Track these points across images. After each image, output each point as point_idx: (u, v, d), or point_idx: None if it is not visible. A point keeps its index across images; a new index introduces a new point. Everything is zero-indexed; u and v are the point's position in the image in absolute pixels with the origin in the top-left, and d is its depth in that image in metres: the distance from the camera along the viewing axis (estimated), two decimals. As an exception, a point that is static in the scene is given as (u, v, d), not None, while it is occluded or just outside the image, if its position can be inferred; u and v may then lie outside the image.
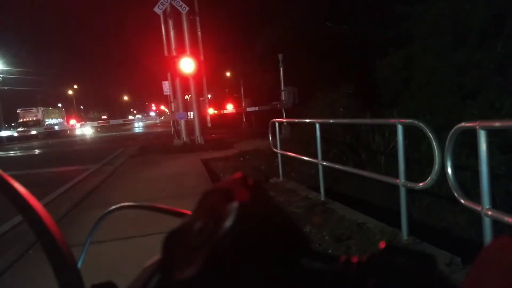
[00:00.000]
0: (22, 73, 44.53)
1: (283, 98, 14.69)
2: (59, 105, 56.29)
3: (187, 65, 11.90)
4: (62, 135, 35.84)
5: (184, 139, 12.69)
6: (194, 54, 12.55)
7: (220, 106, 20.71)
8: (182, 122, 12.78)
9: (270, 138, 6.48)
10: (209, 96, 16.60)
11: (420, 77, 7.14)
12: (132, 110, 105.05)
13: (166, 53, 12.31)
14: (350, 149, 7.33)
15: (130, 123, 40.30)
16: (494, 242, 0.32)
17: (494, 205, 2.31)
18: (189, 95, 13.29)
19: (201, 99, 14.20)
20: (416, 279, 0.31)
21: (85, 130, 35.06)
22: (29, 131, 30.40)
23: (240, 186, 0.35)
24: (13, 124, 38.11)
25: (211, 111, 15.16)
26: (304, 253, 0.34)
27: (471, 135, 2.40)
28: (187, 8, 12.04)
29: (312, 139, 6.02)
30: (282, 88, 14.59)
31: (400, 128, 3.15)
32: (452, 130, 2.48)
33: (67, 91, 63.30)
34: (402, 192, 3.21)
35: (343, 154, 7.18)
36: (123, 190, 6.17)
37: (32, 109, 38.80)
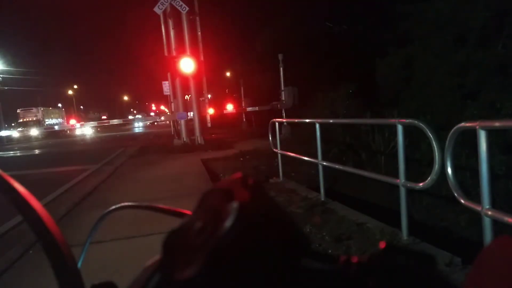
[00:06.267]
0: (22, 73, 44.54)
1: (283, 98, 14.69)
2: (59, 105, 56.30)
3: (187, 65, 11.89)
4: (62, 135, 35.84)
5: (184, 139, 12.69)
6: (194, 54, 12.55)
7: (220, 106, 20.69)
8: (182, 122, 12.78)
9: (270, 138, 6.47)
10: (209, 96, 16.60)
11: (420, 77, 7.14)
12: (132, 110, 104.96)
13: (166, 53, 12.31)
14: (350, 149, 7.33)
15: (130, 123, 40.30)
16: (494, 242, 0.32)
17: (494, 205, 2.31)
18: (189, 95, 13.29)
19: (201, 99, 14.20)
20: (416, 279, 0.31)
21: (85, 130, 35.04)
22: (29, 131, 30.40)
23: (240, 186, 0.35)
24: (13, 124, 38.10)
25: (211, 111, 15.14)
26: (304, 253, 0.34)
27: (471, 135, 2.39)
28: (187, 8, 12.03)
29: (312, 139, 6.02)
30: (282, 88, 14.59)
31: (400, 128, 3.14)
32: (452, 130, 2.48)
33: (67, 91, 63.25)
34: (402, 192, 3.21)
35: (343, 154, 7.18)
36: (123, 190, 6.17)
37: (32, 109, 38.81)
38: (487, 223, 2.27)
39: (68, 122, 37.24)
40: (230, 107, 19.68)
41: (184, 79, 12.58)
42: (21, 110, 38.11)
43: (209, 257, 0.30)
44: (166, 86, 12.91)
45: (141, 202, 0.66)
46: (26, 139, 29.98)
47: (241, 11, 19.08)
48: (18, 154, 18.14)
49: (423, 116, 5.80)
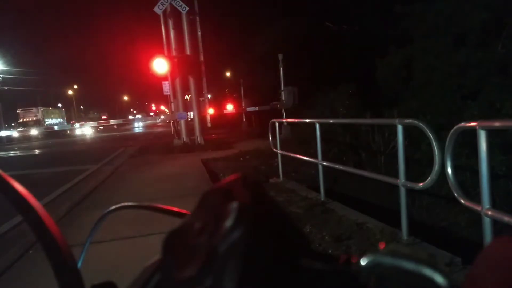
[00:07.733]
0: (22, 73, 44.50)
1: (283, 98, 14.69)
2: (59, 105, 56.26)
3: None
4: (62, 135, 35.84)
5: (184, 139, 12.69)
6: (194, 54, 12.55)
7: (220, 106, 20.69)
8: (182, 122, 12.78)
9: (270, 138, 6.47)
10: (209, 96, 16.59)
11: (420, 77, 7.13)
12: (132, 110, 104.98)
13: (166, 53, 12.31)
14: (350, 149, 7.33)
15: (130, 123, 40.31)
16: (494, 242, 0.32)
17: (494, 205, 2.31)
18: (189, 95, 13.28)
19: (201, 99, 14.19)
20: (416, 279, 0.31)
21: (85, 130, 35.03)
22: (29, 131, 30.41)
23: (240, 186, 0.35)
24: (13, 124, 38.10)
25: (211, 111, 15.13)
26: (304, 253, 0.34)
27: (471, 135, 2.39)
28: (187, 8, 12.03)
29: (312, 139, 6.02)
30: (282, 88, 14.58)
31: (400, 128, 3.15)
32: (452, 130, 2.48)
33: (67, 91, 63.25)
34: (402, 192, 3.21)
35: (343, 154, 7.18)
36: (123, 190, 6.17)
37: (32, 109, 38.80)
38: (487, 223, 2.27)
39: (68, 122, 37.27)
40: (230, 107, 19.67)
41: (184, 79, 12.58)
42: (21, 110, 38.10)
43: (209, 257, 0.30)
44: (166, 86, 12.89)
45: (141, 202, 0.66)
46: (26, 139, 29.98)
47: (241, 11, 19.09)
48: (18, 154, 18.14)
49: (423, 116, 5.80)
